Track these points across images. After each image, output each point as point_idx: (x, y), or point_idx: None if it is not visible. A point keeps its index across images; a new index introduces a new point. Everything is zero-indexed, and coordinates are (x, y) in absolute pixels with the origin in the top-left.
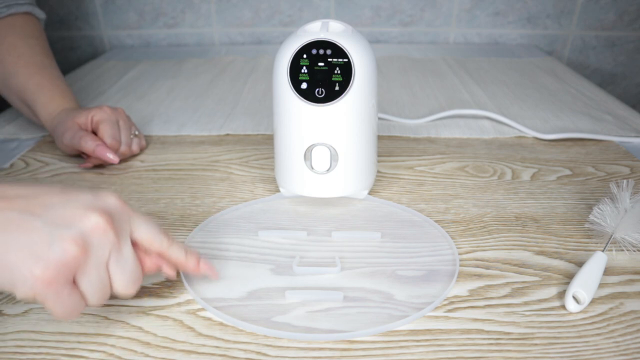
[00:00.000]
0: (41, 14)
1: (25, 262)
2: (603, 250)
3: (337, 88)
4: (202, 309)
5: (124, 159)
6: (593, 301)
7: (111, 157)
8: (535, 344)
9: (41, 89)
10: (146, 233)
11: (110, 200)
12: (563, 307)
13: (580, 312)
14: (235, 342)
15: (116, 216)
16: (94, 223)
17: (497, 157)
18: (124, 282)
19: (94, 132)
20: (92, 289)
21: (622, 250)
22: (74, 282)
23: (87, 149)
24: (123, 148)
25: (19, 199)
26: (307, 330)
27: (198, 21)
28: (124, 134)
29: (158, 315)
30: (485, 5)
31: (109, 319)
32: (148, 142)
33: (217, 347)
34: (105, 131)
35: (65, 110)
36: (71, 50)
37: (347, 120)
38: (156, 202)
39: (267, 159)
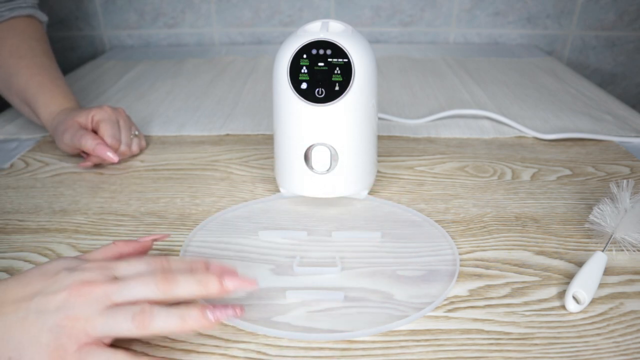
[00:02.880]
0: (43, 17)
1: (39, 356)
2: (603, 250)
3: (337, 88)
4: None
5: (123, 159)
6: (593, 301)
7: (111, 156)
8: (535, 344)
9: (42, 89)
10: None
11: (88, 265)
12: (563, 307)
13: (580, 312)
14: (235, 341)
15: (95, 274)
16: (76, 295)
17: (497, 157)
18: (152, 292)
19: (95, 132)
20: (115, 330)
21: (622, 250)
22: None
23: (87, 148)
24: (123, 148)
25: (10, 304)
26: (307, 330)
27: (198, 21)
28: (124, 133)
29: None
30: (485, 5)
31: None
32: (148, 142)
33: (217, 346)
34: (106, 130)
35: (66, 110)
36: (71, 50)
37: (347, 120)
38: (156, 202)
39: (267, 159)
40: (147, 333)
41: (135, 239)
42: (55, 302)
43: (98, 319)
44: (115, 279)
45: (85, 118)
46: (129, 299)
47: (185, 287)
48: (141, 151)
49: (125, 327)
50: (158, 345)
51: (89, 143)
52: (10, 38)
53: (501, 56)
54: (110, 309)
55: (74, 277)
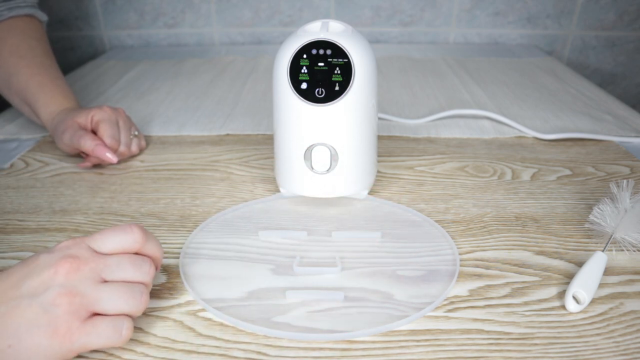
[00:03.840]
0: (43, 17)
1: (39, 338)
2: (603, 250)
3: (337, 88)
4: (203, 310)
5: (123, 159)
6: (593, 301)
7: (110, 156)
8: (535, 344)
9: (42, 88)
10: (103, 235)
11: (62, 244)
12: (563, 307)
13: (580, 312)
14: (235, 342)
15: (74, 249)
16: (64, 272)
17: (497, 157)
18: (140, 273)
19: (94, 132)
20: (115, 304)
21: (622, 250)
22: (97, 314)
23: (86, 148)
24: (122, 148)
25: None
26: (307, 330)
27: (198, 21)
28: (124, 134)
29: (158, 317)
30: (485, 5)
31: None
32: (148, 142)
33: (217, 347)
34: (105, 131)
35: (66, 110)
36: (71, 50)
37: (347, 120)
38: (156, 202)
39: (267, 159)
40: (142, 309)
41: None
42: (44, 282)
43: (93, 295)
44: (95, 251)
45: (84, 118)
46: (118, 278)
47: (153, 249)
48: (141, 151)
49: (122, 303)
50: (158, 346)
51: (87, 144)
52: (10, 38)
53: (501, 56)
54: (105, 284)
55: (55, 255)
